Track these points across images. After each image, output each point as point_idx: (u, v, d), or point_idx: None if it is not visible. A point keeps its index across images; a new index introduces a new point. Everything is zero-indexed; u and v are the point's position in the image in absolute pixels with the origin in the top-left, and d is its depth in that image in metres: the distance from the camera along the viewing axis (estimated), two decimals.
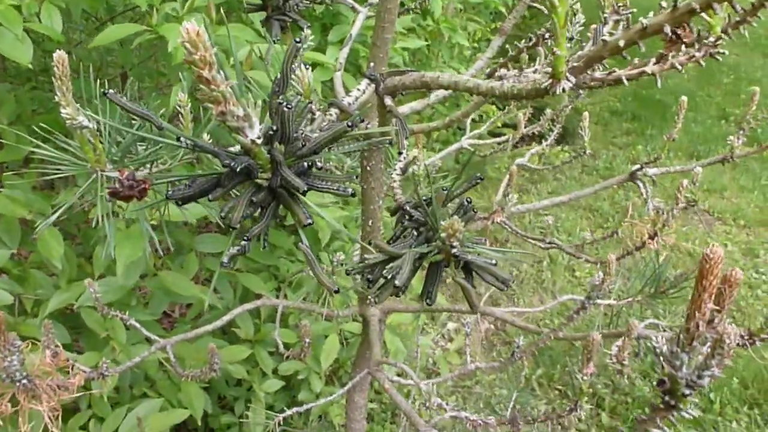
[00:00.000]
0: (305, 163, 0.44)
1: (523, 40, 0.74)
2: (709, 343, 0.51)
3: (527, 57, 0.81)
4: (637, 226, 1.08)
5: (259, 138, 0.40)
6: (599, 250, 4.45)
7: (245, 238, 0.45)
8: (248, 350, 2.10)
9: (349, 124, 0.44)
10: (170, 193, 0.44)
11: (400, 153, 0.63)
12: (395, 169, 0.61)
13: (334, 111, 0.57)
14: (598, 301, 1.12)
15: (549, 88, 0.44)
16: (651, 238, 1.03)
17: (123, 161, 0.85)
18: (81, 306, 1.72)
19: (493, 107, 4.02)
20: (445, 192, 0.58)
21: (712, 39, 0.47)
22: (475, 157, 1.99)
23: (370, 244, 0.52)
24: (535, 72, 0.69)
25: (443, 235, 0.49)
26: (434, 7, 2.50)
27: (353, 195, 0.44)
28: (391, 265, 0.50)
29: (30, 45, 1.44)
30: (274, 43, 1.16)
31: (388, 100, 0.65)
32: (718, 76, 7.70)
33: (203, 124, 0.93)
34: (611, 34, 0.50)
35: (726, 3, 0.40)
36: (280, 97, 0.42)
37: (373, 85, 0.65)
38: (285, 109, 0.41)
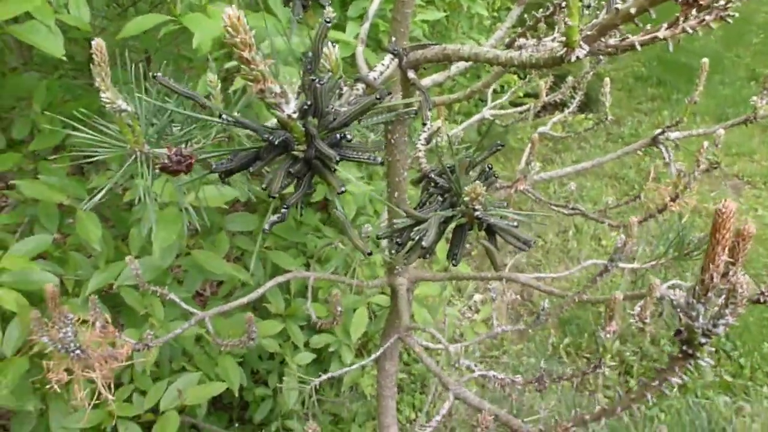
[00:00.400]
0: (337, 135, 0.47)
1: (541, 9, 0.76)
2: (723, 294, 0.54)
3: (545, 26, 0.83)
4: (659, 190, 1.09)
5: (294, 113, 0.43)
6: (623, 216, 4.42)
7: (284, 206, 0.48)
8: (280, 325, 2.16)
9: (377, 97, 0.47)
10: (215, 166, 0.47)
11: (424, 124, 0.66)
12: (420, 140, 0.64)
13: (360, 86, 0.60)
14: (622, 264, 1.14)
15: (564, 56, 0.46)
16: (673, 200, 1.04)
17: (159, 142, 0.89)
18: (120, 285, 1.79)
19: (515, 77, 3.99)
20: (468, 160, 0.61)
21: (722, 2, 0.48)
22: (497, 128, 2.00)
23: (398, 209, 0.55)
24: (553, 41, 0.71)
25: (466, 199, 0.52)
26: None
27: (382, 163, 0.47)
28: (418, 228, 0.53)
29: (61, 37, 1.49)
30: (297, 22, 1.18)
31: (411, 74, 0.67)
32: (747, 36, 7.50)
33: (233, 103, 0.96)
34: (624, 1, 0.52)
35: None
36: (312, 75, 0.45)
37: (396, 60, 0.67)
38: (317, 85, 0.45)
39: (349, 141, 0.47)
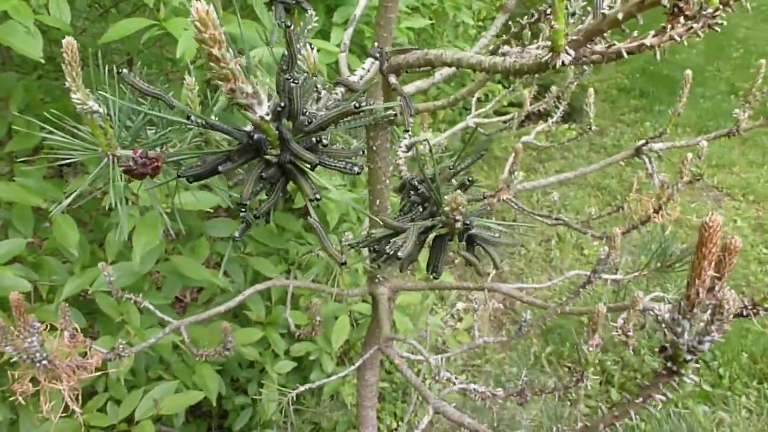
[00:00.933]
0: (313, 139, 0.45)
1: (526, 17, 0.75)
2: (709, 310, 0.53)
3: (530, 34, 0.82)
4: (642, 201, 1.09)
5: (267, 114, 0.41)
6: (606, 226, 4.45)
7: (255, 215, 0.46)
8: (260, 332, 2.13)
9: (356, 105, 0.45)
10: (182, 171, 0.45)
11: (406, 131, 0.64)
12: (401, 146, 0.62)
13: (339, 90, 0.58)
14: (605, 276, 1.13)
15: (549, 61, 0.45)
16: (656, 211, 1.04)
17: (133, 145, 0.87)
18: (96, 291, 1.75)
19: (499, 86, 4.00)
20: (449, 169, 0.59)
21: (710, 10, 0.47)
22: (480, 136, 1.99)
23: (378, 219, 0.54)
24: (538, 48, 0.70)
25: (446, 209, 0.50)
26: None
27: (359, 173, 0.45)
28: (395, 238, 0.51)
29: (40, 38, 1.45)
30: (279, 26, 1.16)
31: (392, 79, 0.66)
32: (727, 50, 7.61)
33: (210, 106, 0.94)
34: (611, 7, 0.51)
35: None
36: (287, 74, 0.43)
37: (378, 64, 0.66)
38: (292, 84, 0.43)
39: (325, 146, 0.45)
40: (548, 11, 0.71)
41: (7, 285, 1.61)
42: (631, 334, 0.84)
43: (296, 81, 0.43)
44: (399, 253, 0.50)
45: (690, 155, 1.01)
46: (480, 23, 3.80)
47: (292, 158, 0.45)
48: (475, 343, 1.08)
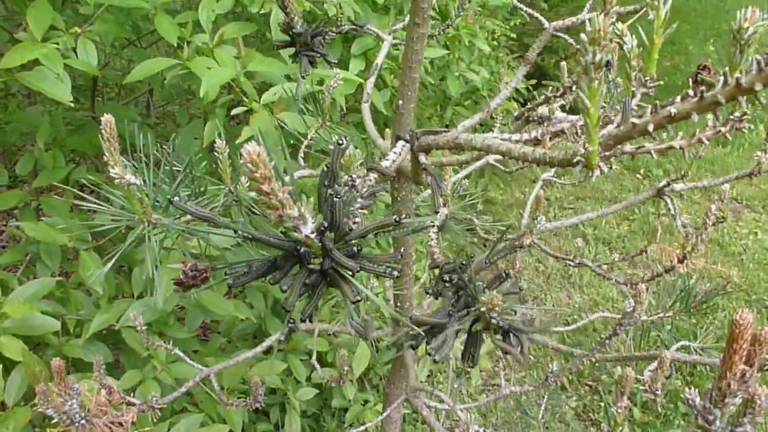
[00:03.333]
0: (354, 248, 0.47)
1: (550, 89, 0.76)
2: (740, 398, 0.54)
3: (554, 95, 0.83)
4: (666, 250, 1.09)
5: (312, 233, 0.44)
6: (626, 243, 4.42)
7: (301, 318, 0.48)
8: (283, 364, 2.15)
9: (396, 219, 0.47)
10: (233, 282, 0.48)
11: (435, 212, 0.66)
12: (433, 226, 0.64)
13: (373, 176, 0.60)
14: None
15: (583, 174, 0.46)
16: (680, 261, 1.05)
17: (167, 210, 0.89)
18: (122, 326, 1.78)
19: (515, 104, 4.01)
20: (483, 260, 0.60)
21: (737, 114, 0.49)
22: (500, 173, 1.99)
23: (410, 318, 0.55)
24: (564, 121, 0.71)
25: (483, 309, 0.52)
26: (452, 13, 2.51)
27: (398, 277, 0.47)
28: (433, 343, 0.53)
29: (69, 81, 1.49)
30: (303, 77, 1.19)
31: (422, 158, 0.68)
32: None
33: (239, 172, 0.97)
34: (639, 107, 0.53)
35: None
36: (330, 189, 0.46)
37: (408, 146, 0.68)
38: (335, 199, 0.45)
39: (360, 250, 0.47)
40: (574, 86, 0.73)
41: (37, 324, 1.65)
42: (659, 392, 0.85)
43: (339, 196, 0.45)
44: (436, 357, 0.52)
45: (714, 207, 1.02)
46: (494, 42, 3.81)
47: (334, 265, 0.47)
48: (501, 392, 1.09)
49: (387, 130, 1.70)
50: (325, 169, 0.47)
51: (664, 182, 1.24)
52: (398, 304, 1.31)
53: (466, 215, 1.43)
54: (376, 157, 1.88)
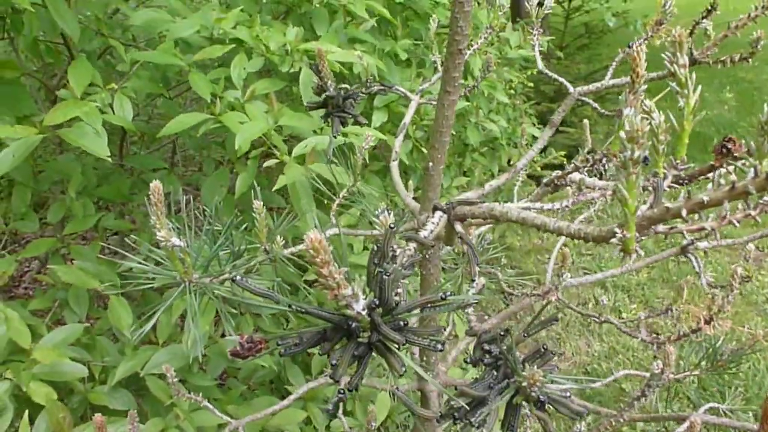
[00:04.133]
0: (400, 323, 0.49)
1: (580, 159, 0.79)
2: None
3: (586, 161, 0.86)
4: (692, 311, 1.10)
5: (363, 309, 0.46)
6: (645, 291, 4.39)
7: (349, 389, 0.50)
8: (303, 413, 2.15)
9: (442, 297, 0.50)
10: (283, 351, 0.50)
11: (472, 280, 0.68)
12: (477, 302, 0.66)
13: (412, 246, 0.63)
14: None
15: (621, 258, 0.49)
16: (707, 323, 1.05)
17: (208, 269, 0.93)
18: (146, 375, 1.80)
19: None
20: (521, 334, 0.62)
21: (767, 199, 0.51)
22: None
23: (457, 389, 0.57)
24: (594, 189, 0.74)
25: (524, 384, 0.54)
26: (474, 67, 2.58)
27: (442, 350, 0.49)
28: (477, 416, 0.55)
29: (105, 136, 1.55)
30: (335, 137, 1.23)
31: (458, 227, 0.71)
32: (759, 105, 7.58)
33: (276, 227, 1.00)
34: (671, 187, 0.55)
35: None
36: (380, 267, 0.48)
37: (445, 216, 0.71)
38: (384, 277, 0.48)
39: (407, 324, 0.50)
40: (604, 159, 0.76)
41: (66, 371, 1.68)
42: None
43: (388, 274, 0.48)
44: (484, 430, 0.53)
45: (740, 269, 1.03)
46: (512, 91, 3.89)
47: (381, 338, 0.49)
48: None
49: (410, 182, 1.74)
50: (376, 248, 0.50)
51: (688, 240, 1.25)
52: (423, 358, 1.32)
53: (491, 269, 1.45)
54: (399, 209, 1.91)
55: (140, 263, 0.89)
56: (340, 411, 1.37)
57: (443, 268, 1.54)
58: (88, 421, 1.89)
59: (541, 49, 1.46)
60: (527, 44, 2.76)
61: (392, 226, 0.51)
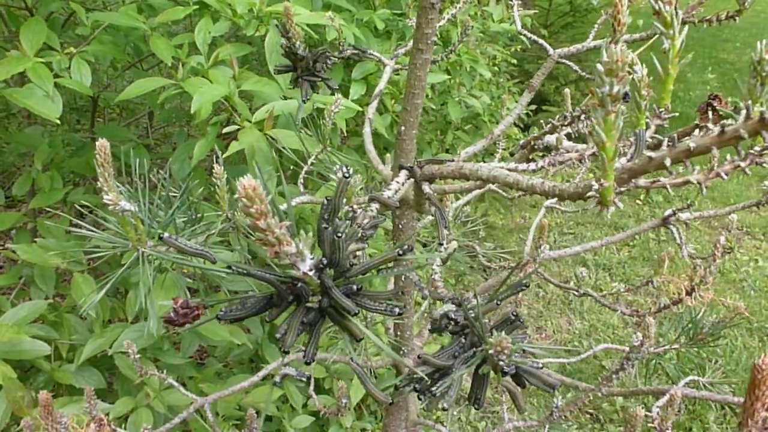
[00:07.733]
0: (354, 286, 0.44)
1: (558, 117, 0.74)
2: None
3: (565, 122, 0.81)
4: (673, 281, 1.07)
5: (310, 269, 0.41)
6: (626, 269, 4.39)
7: (305, 362, 0.46)
8: (280, 390, 2.10)
9: (399, 252, 0.45)
10: (221, 314, 0.45)
11: (440, 244, 0.64)
12: (436, 260, 0.61)
13: (374, 206, 0.58)
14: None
15: (598, 210, 0.44)
16: (688, 293, 1.02)
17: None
18: (115, 352, 1.74)
19: (515, 129, 4.01)
20: (490, 303, 0.58)
21: (758, 148, 0.46)
22: (501, 198, 1.98)
23: (420, 358, 0.53)
24: (572, 151, 0.69)
25: (491, 351, 0.49)
26: (454, 39, 2.52)
27: (400, 314, 0.45)
28: (438, 386, 0.50)
29: (60, 100, 1.47)
30: (304, 102, 1.17)
31: (426, 188, 0.65)
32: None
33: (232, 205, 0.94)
34: (653, 138, 0.51)
35: None
36: (330, 225, 0.43)
37: (411, 176, 0.66)
38: (336, 237, 0.42)
39: (360, 289, 0.45)
40: (582, 116, 0.71)
41: (27, 349, 1.61)
42: (670, 430, 0.82)
43: (339, 233, 0.42)
44: (444, 404, 0.49)
45: (723, 238, 1.00)
46: (495, 67, 3.83)
47: (333, 303, 0.44)
48: (505, 428, 1.06)
49: (387, 155, 1.68)
50: (326, 202, 0.45)
51: (669, 211, 1.22)
52: (398, 332, 1.28)
53: (469, 242, 1.41)
54: (376, 181, 1.86)
55: (89, 230, 0.83)
56: (311, 387, 1.32)
57: (423, 244, 1.49)
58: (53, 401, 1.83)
59: (523, 26, 1.40)
60: (510, 16, 2.70)
61: (347, 176, 0.46)
